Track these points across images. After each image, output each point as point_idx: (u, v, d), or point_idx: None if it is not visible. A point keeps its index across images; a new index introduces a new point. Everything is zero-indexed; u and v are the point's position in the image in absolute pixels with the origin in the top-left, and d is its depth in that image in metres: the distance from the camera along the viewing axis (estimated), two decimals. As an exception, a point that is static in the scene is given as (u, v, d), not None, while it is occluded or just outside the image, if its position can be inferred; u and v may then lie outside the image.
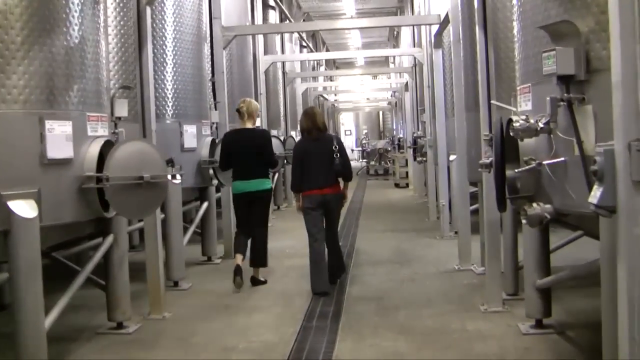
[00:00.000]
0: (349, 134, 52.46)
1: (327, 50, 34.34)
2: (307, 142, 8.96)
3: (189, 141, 9.64)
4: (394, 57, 31.16)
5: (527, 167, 4.95)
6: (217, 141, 10.24)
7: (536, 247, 6.40)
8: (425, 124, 15.58)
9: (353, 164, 33.36)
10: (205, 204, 10.61)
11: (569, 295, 7.59)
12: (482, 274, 9.04)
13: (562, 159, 4.76)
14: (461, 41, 9.39)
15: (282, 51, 19.74)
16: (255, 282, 9.22)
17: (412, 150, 17.93)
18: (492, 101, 5.98)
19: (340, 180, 8.95)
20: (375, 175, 31.70)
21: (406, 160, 24.25)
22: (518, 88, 5.76)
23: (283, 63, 19.12)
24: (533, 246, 6.41)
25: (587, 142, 4.50)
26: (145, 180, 6.31)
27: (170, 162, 8.11)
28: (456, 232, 12.32)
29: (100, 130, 6.35)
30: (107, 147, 6.27)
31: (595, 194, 3.75)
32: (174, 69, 9.59)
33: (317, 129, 8.87)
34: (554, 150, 4.82)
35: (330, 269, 8.84)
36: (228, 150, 9.24)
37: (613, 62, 3.63)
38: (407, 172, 24.40)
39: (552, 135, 4.83)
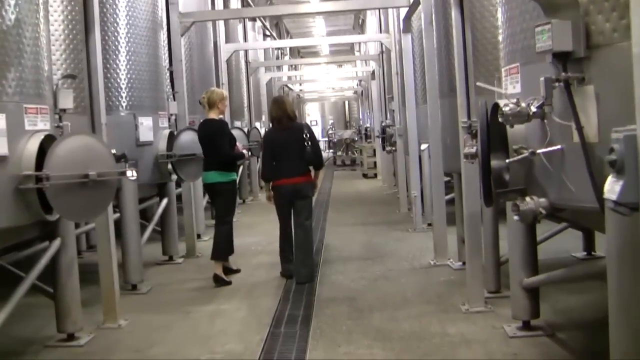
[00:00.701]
0: (315, 125, 51.81)
1: (292, 37, 33.69)
2: (277, 132, 8.79)
3: (145, 134, 8.99)
4: (359, 45, 30.61)
5: (518, 157, 4.40)
6: (175, 134, 9.62)
7: (522, 242, 5.86)
8: (394, 112, 15.05)
9: None
10: (164, 201, 9.98)
11: (555, 291, 7.09)
12: (460, 270, 8.59)
13: (559, 147, 4.23)
14: (434, 23, 8.83)
15: (245, 40, 19.08)
16: (217, 279, 8.76)
17: (380, 139, 17.39)
18: (478, 83, 5.42)
19: (312, 169, 8.81)
20: (342, 165, 31.20)
21: (374, 150, 23.78)
22: (504, 69, 5.21)
23: (246, 52, 18.45)
24: (519, 241, 5.87)
25: (588, 127, 3.97)
26: (92, 179, 5.68)
27: (123, 158, 7.50)
28: (429, 224, 11.93)
29: (40, 124, 5.70)
30: (49, 143, 5.63)
31: (613, 188, 3.20)
32: (128, 57, 8.93)
33: (288, 118, 8.73)
34: (548, 138, 4.28)
35: (305, 262, 8.62)
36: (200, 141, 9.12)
37: (634, 31, 3.08)
38: (375, 163, 23.91)
39: (546, 121, 4.29)
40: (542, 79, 4.15)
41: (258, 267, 9.62)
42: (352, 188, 21.26)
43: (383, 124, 16.85)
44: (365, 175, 24.44)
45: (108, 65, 8.64)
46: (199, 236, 12.05)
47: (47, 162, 5.44)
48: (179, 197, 10.79)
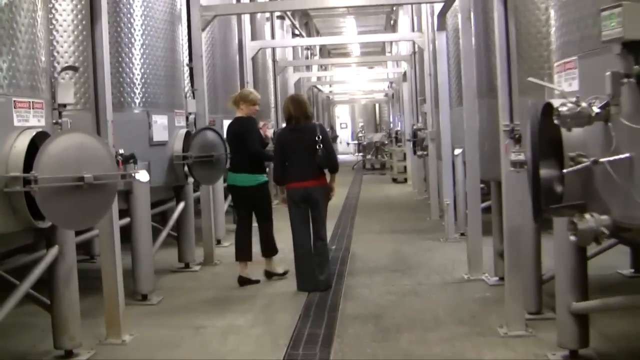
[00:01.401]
0: (345, 127, 51.43)
1: (321, 39, 33.06)
2: (289, 132, 8.44)
3: (159, 134, 8.39)
4: (390, 46, 29.93)
5: (576, 167, 3.72)
6: (192, 133, 9.02)
7: (571, 261, 5.18)
8: (426, 115, 14.36)
9: (349, 158, 32.45)
10: (181, 205, 9.38)
11: (604, 313, 6.36)
12: (496, 285, 7.94)
13: (627, 155, 3.55)
14: (472, 18, 8.15)
15: (272, 38, 18.45)
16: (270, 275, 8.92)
17: (411, 143, 16.66)
18: (530, 78, 4.74)
19: (327, 172, 8.44)
20: (371, 169, 30.50)
21: (404, 154, 23.06)
22: (556, 64, 4.54)
23: (273, 50, 17.82)
24: (567, 260, 5.20)
25: (665, 131, 3.29)
26: (87, 182, 5.07)
27: (132, 159, 6.91)
28: (462, 234, 11.26)
29: (32, 120, 5.12)
30: (42, 141, 5.04)
31: None
32: (143, 51, 8.33)
33: (304, 117, 8.32)
34: (614, 144, 3.60)
35: (320, 273, 8.21)
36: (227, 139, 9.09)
37: None
38: (405, 167, 23.19)
39: (611, 124, 3.62)
40: (607, 73, 3.48)
41: (280, 279, 8.97)
42: (381, 193, 20.57)
43: (414, 127, 16.16)
44: (395, 180, 23.73)
45: (120, 59, 8.06)
46: (218, 242, 11.50)
47: (37, 163, 4.84)
48: (198, 200, 10.22)
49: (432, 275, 8.85)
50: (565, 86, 4.27)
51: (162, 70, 8.64)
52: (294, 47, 23.97)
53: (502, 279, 8.02)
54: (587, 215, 3.68)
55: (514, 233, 6.24)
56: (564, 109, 3.64)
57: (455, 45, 11.47)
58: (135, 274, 7.94)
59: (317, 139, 8.09)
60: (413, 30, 17.39)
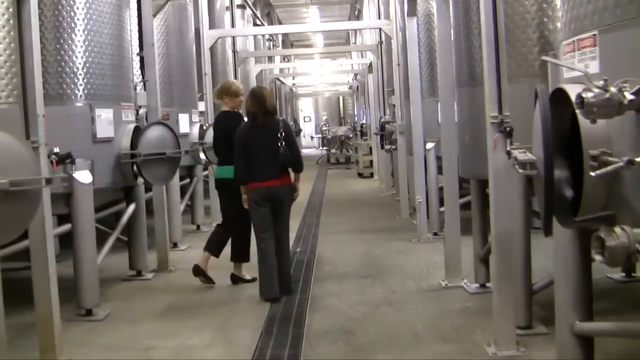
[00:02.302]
0: (309, 121, 50.70)
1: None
2: (250, 128, 7.73)
3: (104, 129, 7.54)
4: (355, 36, 29.17)
5: (608, 169, 2.96)
6: (141, 128, 8.19)
7: (575, 273, 4.41)
8: (394, 107, 13.63)
9: (313, 152, 31.83)
10: (131, 207, 8.53)
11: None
12: (477, 294, 7.29)
13: (670, 153, 2.81)
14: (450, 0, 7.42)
15: (233, 27, 17.53)
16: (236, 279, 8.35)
17: (379, 137, 15.92)
18: (544, 57, 3.99)
19: (291, 171, 7.88)
20: (336, 163, 29.82)
21: (370, 148, 22.37)
22: (566, 42, 3.78)
23: (234, 41, 16.92)
24: (570, 270, 4.41)
25: None
26: (2, 189, 4.23)
27: (68, 158, 6.10)
28: (435, 234, 10.60)
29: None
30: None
31: None
32: (86, 37, 7.48)
33: (265, 113, 7.67)
34: (652, 139, 2.86)
35: (281, 276, 7.61)
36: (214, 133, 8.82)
37: None
38: (371, 161, 22.50)
39: (646, 114, 2.88)
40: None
41: (241, 287, 8.19)
42: (347, 188, 19.84)
43: (382, 120, 15.41)
44: (360, 175, 23.04)
45: (59, 46, 7.27)
46: (175, 245, 10.70)
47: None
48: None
49: (406, 281, 8.12)
50: (582, 68, 3.50)
51: (107, 59, 7.80)
52: (255, 38, 23.09)
53: (483, 285, 7.39)
54: (618, 230, 2.92)
55: (503, 239, 5.51)
56: (588, 95, 2.89)
57: (427, 32, 10.80)
58: (78, 287, 7.12)
59: (279, 135, 7.53)
60: (379, 18, 16.63)
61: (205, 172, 12.98)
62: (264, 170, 7.56)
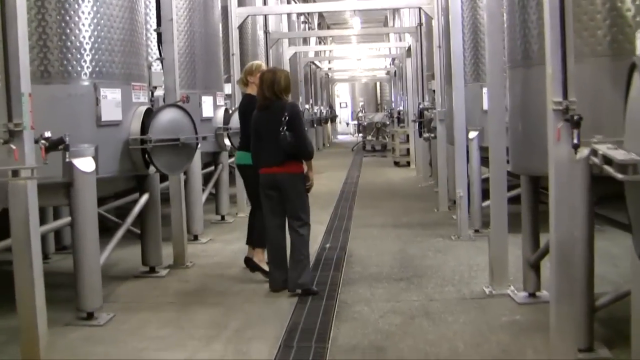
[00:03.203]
0: (345, 107, 50.04)
1: (320, 13, 31.19)
2: (259, 112, 7.35)
3: (110, 111, 6.73)
4: (394, 19, 28.17)
5: None
6: (154, 110, 7.40)
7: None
8: (434, 93, 12.75)
9: (348, 138, 31.35)
10: (144, 197, 7.77)
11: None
12: (526, 304, 6.43)
13: None
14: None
15: (265, 4, 16.66)
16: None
17: (416, 124, 15.00)
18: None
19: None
20: (372, 151, 28.99)
21: (407, 136, 21.47)
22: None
23: (265, 20, 16.10)
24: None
25: None
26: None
27: (60, 144, 5.34)
28: (476, 231, 9.75)
29: None
30: None
31: None
32: (93, 8, 6.69)
33: (274, 96, 7.20)
34: None
35: (290, 272, 7.16)
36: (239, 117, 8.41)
37: None
38: (407, 150, 21.61)
39: None
40: None
41: (257, 289, 7.40)
42: (382, 177, 18.97)
43: (420, 107, 14.50)
44: (397, 164, 22.16)
45: (59, 17, 6.45)
46: (195, 237, 9.95)
47: None
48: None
49: (445, 286, 7.26)
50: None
51: (117, 33, 6.99)
52: (290, 20, 22.29)
53: (532, 295, 6.53)
54: None
55: (565, 247, 4.66)
56: None
57: (471, 10, 9.95)
58: (78, 288, 6.37)
59: (283, 119, 7.04)
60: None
61: (231, 159, 12.20)
62: (268, 155, 7.20)
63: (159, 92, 8.46)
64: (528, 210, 6.42)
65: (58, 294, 6.84)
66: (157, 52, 8.71)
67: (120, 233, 7.50)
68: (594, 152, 3.85)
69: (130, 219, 7.65)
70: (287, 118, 7.04)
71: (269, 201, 7.24)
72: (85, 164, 6.25)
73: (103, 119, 6.65)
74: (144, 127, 7.11)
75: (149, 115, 7.21)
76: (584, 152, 4.53)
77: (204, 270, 8.30)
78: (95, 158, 6.42)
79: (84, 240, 6.34)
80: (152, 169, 7.39)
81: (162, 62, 8.45)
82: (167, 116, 7.34)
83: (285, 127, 7.02)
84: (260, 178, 7.25)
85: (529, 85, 5.63)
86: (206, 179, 11.79)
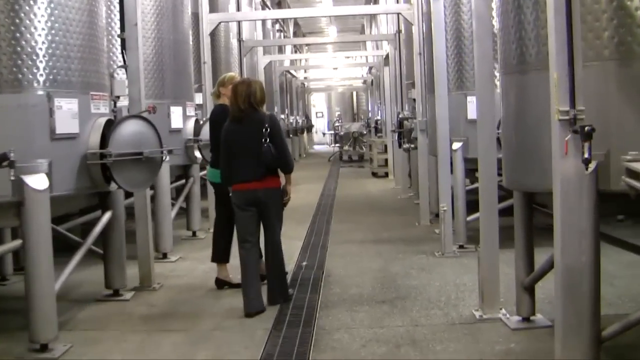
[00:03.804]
0: (321, 116, 49.62)
1: (296, 21, 30.68)
2: (233, 124, 6.97)
3: (65, 124, 6.13)
4: (370, 27, 27.70)
5: None
6: (115, 121, 6.82)
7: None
8: (414, 102, 12.26)
9: (325, 149, 30.96)
10: (106, 215, 7.20)
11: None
12: (520, 329, 5.97)
13: None
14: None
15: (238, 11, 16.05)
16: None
17: (396, 135, 14.48)
18: None
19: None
20: (349, 161, 28.46)
21: (385, 146, 20.98)
22: None
23: (239, 28, 15.54)
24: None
25: None
26: None
27: (3, 160, 4.78)
28: (460, 247, 9.27)
29: None
30: None
31: None
32: (47, 10, 6.12)
33: (250, 107, 6.85)
34: None
35: (270, 284, 7.02)
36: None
37: None
38: (386, 160, 21.12)
39: None
40: None
41: (229, 313, 6.85)
42: (360, 189, 18.46)
43: (400, 117, 14.00)
44: (375, 174, 21.69)
45: (8, 20, 5.89)
46: (164, 255, 9.40)
47: None
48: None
49: (432, 309, 6.73)
50: None
51: (75, 38, 6.43)
52: (264, 28, 21.73)
53: (526, 319, 6.04)
54: None
55: (572, 276, 4.14)
56: None
57: (454, 15, 9.55)
58: (30, 317, 5.78)
59: (264, 131, 6.75)
60: (398, 2, 15.26)
61: (203, 172, 11.64)
62: (246, 171, 6.83)
63: (124, 102, 7.91)
64: (522, 229, 5.93)
65: (13, 321, 6.32)
66: (122, 59, 8.13)
67: (78, 255, 6.89)
68: (633, 173, 3.32)
69: (90, 239, 7.07)
70: (268, 130, 6.74)
71: (244, 219, 6.89)
72: (37, 181, 5.68)
73: (58, 131, 6.07)
74: (104, 141, 6.53)
75: (109, 125, 6.63)
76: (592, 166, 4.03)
77: (172, 293, 7.74)
78: (50, 174, 5.84)
79: (37, 264, 5.75)
80: (113, 185, 6.81)
81: (126, 69, 7.89)
82: (129, 128, 6.76)
83: (267, 139, 6.70)
84: (236, 195, 6.89)
85: (525, 93, 5.14)
86: (178, 192, 11.25)
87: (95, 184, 6.60)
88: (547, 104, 4.41)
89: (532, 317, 6.05)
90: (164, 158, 7.16)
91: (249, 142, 6.78)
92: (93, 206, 7.53)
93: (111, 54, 8.62)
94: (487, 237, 6.35)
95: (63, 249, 6.37)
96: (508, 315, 6.24)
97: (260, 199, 6.81)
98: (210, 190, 10.38)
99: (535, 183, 4.90)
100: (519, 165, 5.44)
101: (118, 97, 7.40)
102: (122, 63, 8.24)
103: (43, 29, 6.10)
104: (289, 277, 7.77)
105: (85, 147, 6.46)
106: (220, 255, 7.82)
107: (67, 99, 6.20)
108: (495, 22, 6.24)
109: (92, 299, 7.45)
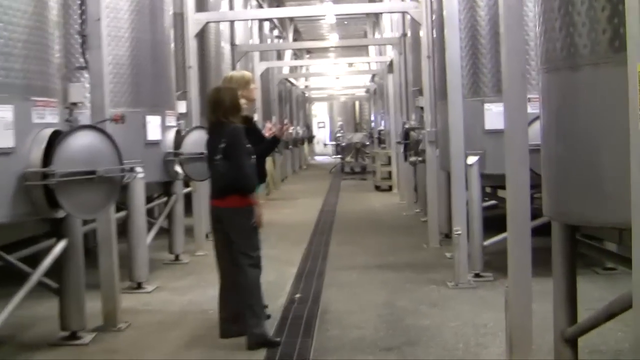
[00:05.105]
0: (322, 127, 48.73)
1: (296, 27, 29.51)
2: (208, 136, 6.51)
3: (-2, 136, 5.00)
4: (373, 32, 26.52)
5: None
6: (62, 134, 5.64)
7: None
8: (423, 110, 11.10)
9: (326, 160, 29.93)
10: (60, 245, 6.05)
11: None
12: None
13: None
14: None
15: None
16: None
17: (402, 146, 13.27)
18: None
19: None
20: (351, 173, 27.44)
21: (389, 158, 19.85)
22: None
23: (231, 30, 14.35)
24: None
25: None
26: None
27: None
28: (476, 275, 8.13)
29: None
30: None
31: None
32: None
33: (215, 119, 6.25)
34: None
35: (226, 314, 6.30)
36: None
37: None
38: (389, 172, 20.00)
39: None
40: None
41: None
42: (362, 204, 17.31)
43: (406, 127, 12.82)
44: (378, 188, 20.59)
45: None
46: (139, 285, 8.23)
47: None
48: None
49: (449, 361, 5.56)
50: None
51: (20, 34, 5.30)
52: (262, 33, 20.58)
53: (570, 377, 4.82)
54: None
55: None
56: None
57: (469, 11, 8.51)
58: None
59: (219, 146, 6.11)
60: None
61: (187, 190, 10.47)
62: (212, 186, 6.53)
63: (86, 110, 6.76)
64: (563, 268, 4.75)
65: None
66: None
67: (24, 290, 5.77)
68: None
69: (39, 271, 5.93)
70: (223, 145, 6.06)
71: (218, 236, 6.38)
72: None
73: (-7, 145, 4.91)
74: (49, 157, 5.35)
75: (55, 138, 5.45)
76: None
77: (140, 334, 6.58)
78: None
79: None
80: (61, 211, 5.62)
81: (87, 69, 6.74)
82: (80, 142, 5.58)
83: (220, 156, 6.10)
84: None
85: (576, 95, 3.97)
86: (158, 212, 10.12)
87: (36, 209, 5.42)
88: (605, 109, 3.27)
89: (573, 376, 4.87)
90: (125, 177, 5.97)
91: (211, 157, 6.29)
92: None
93: (70, 54, 7.45)
94: (517, 276, 5.12)
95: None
96: (546, 371, 5.06)
97: (222, 217, 6.23)
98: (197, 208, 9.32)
99: (592, 214, 3.74)
100: (568, 191, 4.23)
101: (74, 104, 6.22)
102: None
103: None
104: (278, 314, 6.71)
105: (24, 164, 5.28)
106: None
107: (5, 105, 5.03)
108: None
109: (44, 342, 6.29)
